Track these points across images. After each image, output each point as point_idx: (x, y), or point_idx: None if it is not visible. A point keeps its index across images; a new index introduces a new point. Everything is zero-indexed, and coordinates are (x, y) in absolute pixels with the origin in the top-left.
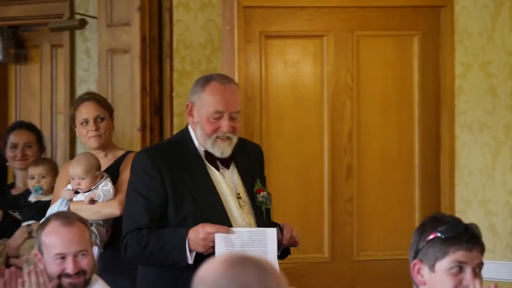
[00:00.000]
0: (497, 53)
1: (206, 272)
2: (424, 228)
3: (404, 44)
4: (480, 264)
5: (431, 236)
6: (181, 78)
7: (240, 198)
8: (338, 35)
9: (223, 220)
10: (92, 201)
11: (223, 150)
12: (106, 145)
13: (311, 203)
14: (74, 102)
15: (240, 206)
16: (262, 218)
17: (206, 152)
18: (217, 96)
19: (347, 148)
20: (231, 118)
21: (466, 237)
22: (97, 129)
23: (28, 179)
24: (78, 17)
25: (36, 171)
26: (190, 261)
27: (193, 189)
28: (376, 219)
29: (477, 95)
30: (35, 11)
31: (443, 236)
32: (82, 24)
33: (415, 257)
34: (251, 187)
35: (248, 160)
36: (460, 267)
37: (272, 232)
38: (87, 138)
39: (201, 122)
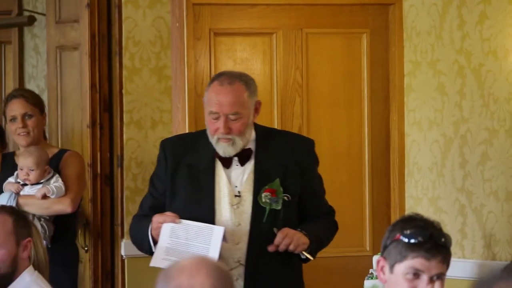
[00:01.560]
0: (446, 51)
1: (192, 285)
2: (395, 227)
3: (353, 42)
4: (441, 274)
5: (396, 237)
6: (130, 75)
7: (239, 196)
8: (287, 32)
9: (206, 217)
10: (45, 197)
11: (224, 150)
12: (36, 142)
13: None
14: (4, 99)
15: (233, 205)
16: (261, 219)
17: None
18: (213, 97)
19: None
20: (230, 119)
21: (428, 245)
22: (24, 126)
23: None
24: (26, 13)
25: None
26: (153, 249)
27: (190, 184)
28: None
29: (426, 93)
30: None
31: (405, 240)
32: (31, 20)
33: (382, 253)
34: (264, 185)
35: (279, 156)
36: (415, 273)
37: (218, 231)
38: (16, 135)
39: (206, 121)
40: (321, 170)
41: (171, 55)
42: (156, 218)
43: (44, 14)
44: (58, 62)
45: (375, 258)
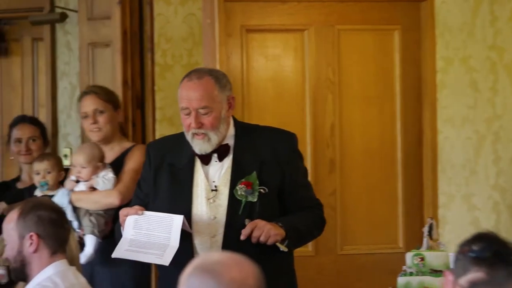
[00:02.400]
0: (478, 47)
1: (245, 277)
2: (466, 241)
3: (385, 38)
4: None
5: (463, 251)
6: (162, 72)
7: (215, 190)
8: (319, 29)
9: (183, 213)
10: (92, 188)
11: (200, 146)
12: (109, 138)
13: None
14: (78, 96)
15: (209, 199)
16: (236, 212)
17: None
18: (183, 93)
19: (329, 142)
20: (200, 114)
21: (491, 261)
22: (95, 122)
23: (33, 174)
24: (58, 10)
25: (41, 166)
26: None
27: (170, 182)
28: (359, 214)
29: (459, 89)
30: (15, 5)
31: (470, 254)
32: (63, 17)
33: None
34: (241, 179)
35: (257, 150)
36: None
37: (178, 220)
38: (88, 132)
39: (181, 119)
40: (353, 166)
41: (203, 52)
42: (122, 212)
43: (76, 11)
44: (90, 58)
45: (409, 255)
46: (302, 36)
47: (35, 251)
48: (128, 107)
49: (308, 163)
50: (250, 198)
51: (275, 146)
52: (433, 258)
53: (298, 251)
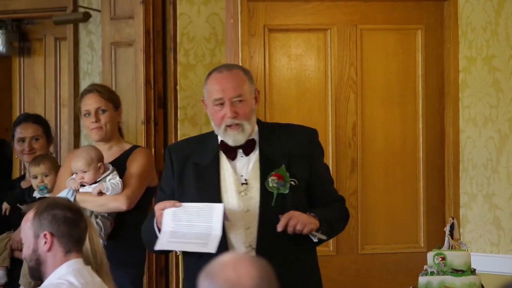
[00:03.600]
0: (501, 47)
1: (239, 277)
2: None
3: (408, 38)
4: None
5: None
6: (185, 71)
7: (246, 184)
8: (342, 28)
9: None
10: (100, 193)
11: (234, 138)
12: (109, 137)
13: None
14: (80, 94)
15: (240, 193)
16: (269, 204)
17: (222, 143)
18: (214, 85)
19: (351, 141)
20: (234, 104)
21: None
22: (97, 120)
23: (30, 178)
24: (81, 10)
25: (38, 170)
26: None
27: (197, 180)
28: (381, 213)
29: (481, 89)
30: (38, 4)
31: None
32: (86, 17)
33: None
34: (270, 172)
35: (283, 145)
36: None
37: (218, 208)
38: (89, 130)
39: (210, 114)
40: (375, 166)
41: (226, 52)
42: (157, 207)
43: (99, 11)
44: (113, 58)
45: (430, 254)
46: (324, 35)
47: (49, 249)
48: (150, 107)
49: (330, 163)
50: (282, 190)
51: (300, 141)
52: (454, 258)
53: (318, 250)
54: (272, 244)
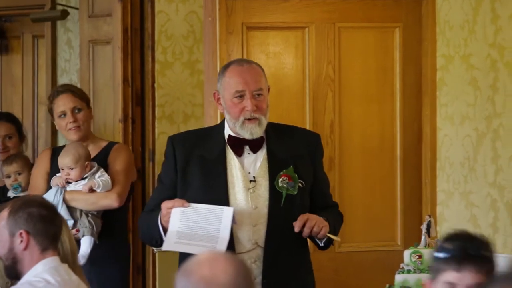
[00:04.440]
0: (479, 45)
1: (214, 274)
2: (436, 245)
3: (386, 36)
4: (478, 285)
5: (433, 255)
6: (162, 69)
7: (254, 181)
8: (320, 27)
9: (221, 202)
10: (91, 190)
11: (251, 131)
12: (86, 136)
13: None
14: (50, 95)
15: (248, 189)
16: (278, 203)
17: (230, 138)
18: (235, 77)
19: (329, 139)
20: (254, 97)
21: (457, 257)
22: (75, 120)
23: (4, 178)
24: (59, 7)
25: (11, 169)
26: (163, 237)
27: (202, 174)
28: (358, 211)
29: (459, 87)
30: (16, 2)
31: (437, 256)
32: (64, 15)
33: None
34: (278, 171)
35: (290, 146)
36: (450, 287)
37: (228, 212)
38: (66, 131)
39: (227, 107)
40: (353, 164)
41: (204, 49)
42: (165, 204)
43: (77, 8)
44: (91, 56)
45: (407, 252)
46: (303, 33)
47: (26, 248)
48: (128, 104)
49: None
50: (290, 191)
51: (306, 144)
52: (431, 256)
53: None
54: (279, 243)
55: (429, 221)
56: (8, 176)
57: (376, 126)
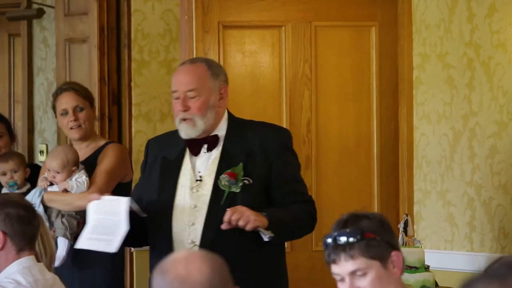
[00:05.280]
0: (455, 44)
1: (189, 272)
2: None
3: (362, 35)
4: (360, 270)
5: None
6: (139, 67)
7: (200, 180)
8: (296, 25)
9: (167, 202)
10: (65, 191)
11: (185, 131)
12: (87, 135)
13: None
14: (54, 92)
15: (192, 189)
16: (219, 201)
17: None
18: (173, 77)
19: (305, 138)
20: (188, 97)
21: (330, 251)
22: (76, 119)
23: None
24: (35, 6)
25: (6, 167)
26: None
27: (161, 174)
28: (335, 209)
29: (435, 86)
30: None
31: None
32: (40, 13)
33: None
34: (227, 169)
35: (246, 143)
36: (339, 278)
37: (123, 202)
38: (68, 129)
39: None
40: (329, 163)
41: (180, 48)
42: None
43: (53, 7)
44: (67, 55)
45: None
46: (279, 32)
47: (1, 248)
48: (105, 103)
49: None
50: (233, 189)
51: (264, 140)
52: (408, 255)
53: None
54: (215, 242)
55: (406, 220)
56: (4, 174)
57: (353, 125)
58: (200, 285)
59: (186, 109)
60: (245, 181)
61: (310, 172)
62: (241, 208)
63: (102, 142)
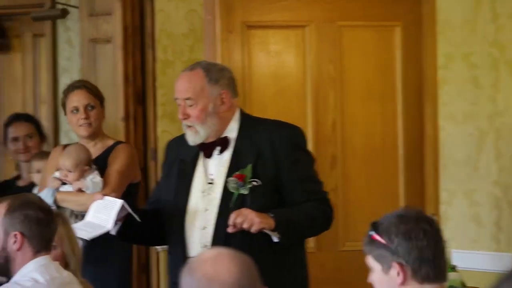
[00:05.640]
0: (479, 43)
1: (218, 272)
2: None
3: (386, 35)
4: (369, 265)
5: None
6: (163, 67)
7: (211, 183)
8: (320, 25)
9: (181, 206)
10: (80, 190)
11: (190, 138)
12: (96, 134)
13: None
14: (65, 89)
15: (203, 192)
16: (228, 204)
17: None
18: (175, 84)
19: (331, 138)
20: (187, 106)
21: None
22: (87, 117)
23: (33, 173)
24: (59, 6)
25: (41, 165)
26: (113, 232)
27: (178, 177)
28: (361, 209)
29: (460, 85)
30: (16, 1)
31: None
32: (64, 13)
33: None
34: (236, 171)
35: (256, 143)
36: None
37: (117, 204)
38: (77, 126)
39: None
40: (355, 163)
41: (204, 48)
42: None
43: (77, 7)
44: (92, 55)
45: None
46: (303, 32)
47: (19, 249)
48: (129, 103)
49: None
50: (242, 191)
51: (274, 139)
52: None
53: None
54: (226, 244)
55: None
56: (38, 171)
57: (378, 125)
58: (228, 284)
59: (185, 117)
60: (254, 182)
61: (335, 172)
62: (245, 211)
63: (110, 142)
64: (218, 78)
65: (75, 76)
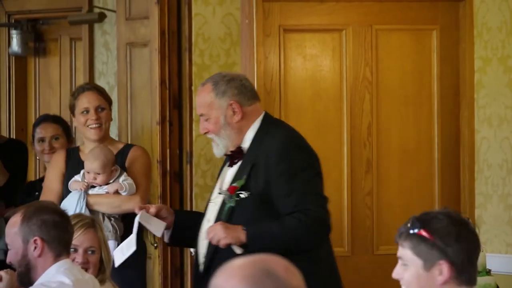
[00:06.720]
0: None
1: (225, 279)
2: None
3: (423, 38)
4: (402, 260)
5: None
6: (200, 71)
7: (220, 193)
8: (357, 29)
9: (204, 213)
10: (116, 192)
11: (214, 151)
12: (104, 136)
13: (331, 197)
14: (74, 91)
15: (211, 202)
16: (221, 215)
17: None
18: None
19: (366, 142)
20: (203, 121)
21: (399, 232)
22: (98, 118)
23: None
24: (97, 10)
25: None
26: (166, 239)
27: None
28: (396, 213)
29: (497, 89)
30: (54, 4)
31: None
32: (101, 17)
33: None
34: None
35: (256, 153)
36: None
37: (136, 219)
38: (86, 128)
39: None
40: (390, 166)
41: (241, 52)
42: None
43: (114, 11)
44: (128, 58)
45: None
46: (340, 36)
47: (40, 255)
48: (166, 107)
49: (345, 163)
50: (229, 203)
51: (266, 150)
52: None
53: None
54: (216, 255)
55: None
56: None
57: (414, 129)
58: None
59: (205, 131)
60: (241, 195)
61: (370, 176)
62: (216, 226)
63: (121, 145)
64: (225, 90)
65: (112, 80)
